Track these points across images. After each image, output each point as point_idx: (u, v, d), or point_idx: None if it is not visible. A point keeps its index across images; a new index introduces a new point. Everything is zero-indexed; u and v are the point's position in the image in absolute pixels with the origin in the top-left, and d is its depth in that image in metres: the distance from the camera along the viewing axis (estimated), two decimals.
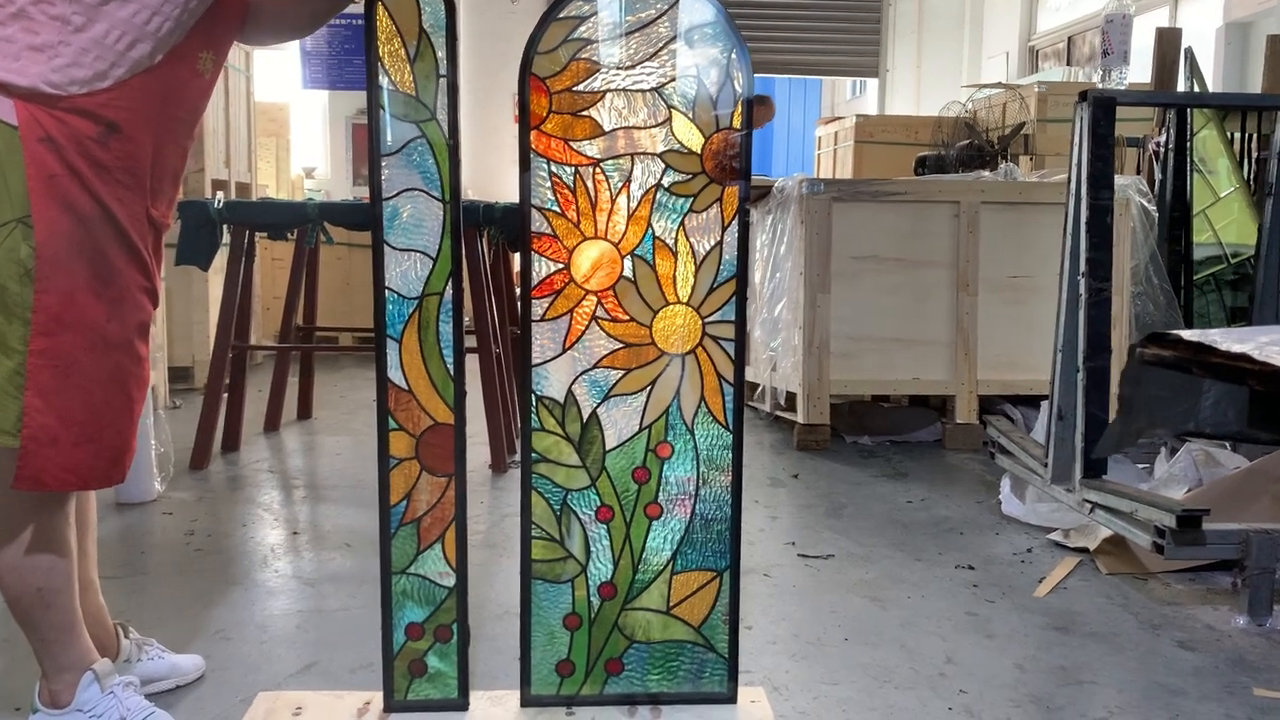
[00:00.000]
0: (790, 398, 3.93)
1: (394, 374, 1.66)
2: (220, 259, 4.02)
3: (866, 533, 2.82)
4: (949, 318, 3.84)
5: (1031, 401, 3.96)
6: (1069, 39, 9.47)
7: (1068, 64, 9.63)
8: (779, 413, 4.01)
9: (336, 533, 2.75)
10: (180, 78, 1.57)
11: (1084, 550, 2.61)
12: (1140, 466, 3.09)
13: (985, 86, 6.69)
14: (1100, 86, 5.29)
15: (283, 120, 7.91)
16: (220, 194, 3.55)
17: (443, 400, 1.67)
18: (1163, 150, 4.29)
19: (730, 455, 1.71)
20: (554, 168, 1.63)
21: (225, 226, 3.46)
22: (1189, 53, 4.29)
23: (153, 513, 2.92)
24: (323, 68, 9.14)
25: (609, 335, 1.67)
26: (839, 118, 8.58)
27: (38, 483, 1.47)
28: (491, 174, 9.37)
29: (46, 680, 1.61)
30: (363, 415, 4.31)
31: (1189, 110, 4.13)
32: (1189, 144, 4.21)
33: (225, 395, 3.65)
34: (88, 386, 1.48)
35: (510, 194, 10.57)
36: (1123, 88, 5.15)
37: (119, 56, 1.48)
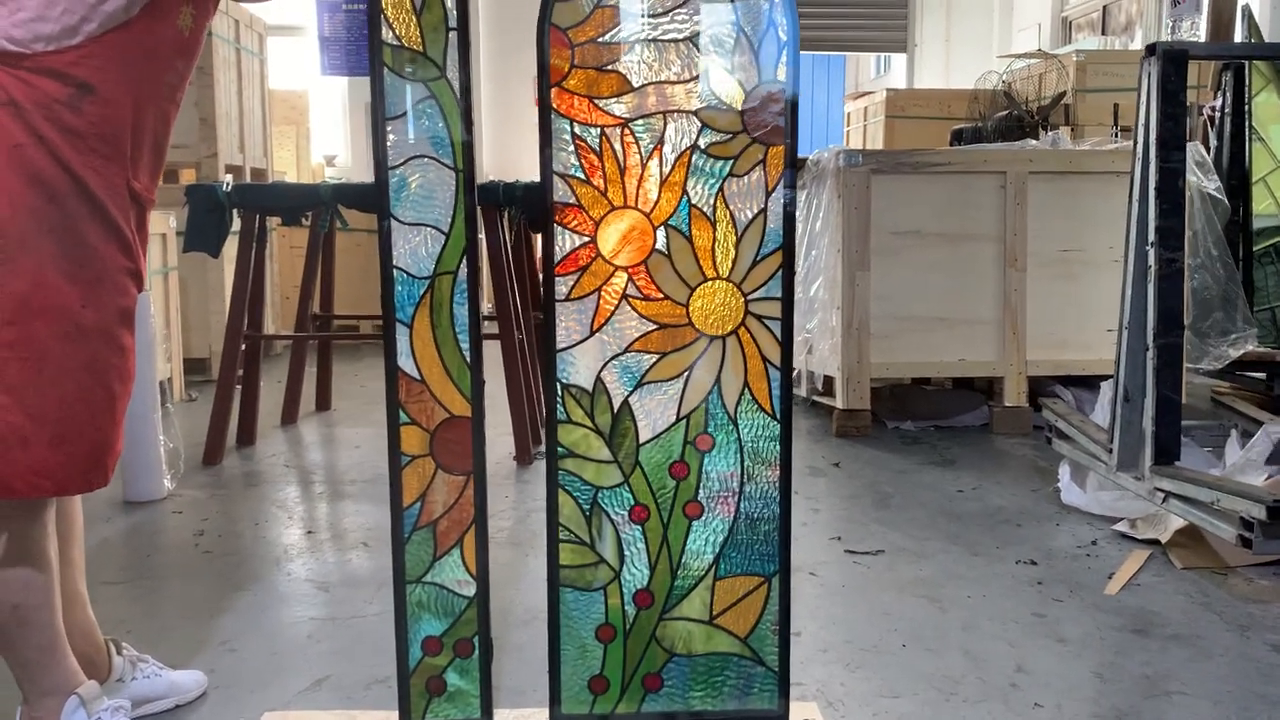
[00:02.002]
0: (828, 382, 3.75)
1: (404, 362, 1.50)
2: (232, 248, 3.88)
3: (917, 525, 2.64)
4: (996, 295, 3.64)
5: (1084, 382, 3.76)
6: (1104, 8, 9.17)
7: (1103, 34, 9.34)
8: (816, 398, 3.83)
9: (354, 531, 2.61)
10: (159, 34, 1.41)
11: (1154, 542, 2.43)
12: (1206, 450, 2.89)
13: (1022, 56, 6.45)
14: (1170, 40, 5.04)
15: (302, 108, 7.78)
16: (229, 177, 3.40)
17: (459, 391, 1.51)
18: (1219, 115, 4.06)
19: (778, 448, 1.53)
20: (578, 129, 1.46)
21: (235, 211, 3.31)
22: (1246, 10, 4.06)
23: (162, 512, 2.79)
24: (341, 54, 9.00)
25: (641, 316, 1.50)
26: (868, 92, 8.35)
27: (7, 489, 1.32)
28: (512, 157, 9.20)
29: (28, 706, 1.46)
30: (384, 406, 4.16)
31: (1248, 71, 3.90)
32: (1247, 108, 3.98)
33: (239, 387, 3.52)
34: (61, 380, 1.33)
35: (532, 176, 10.45)
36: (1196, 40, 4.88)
37: (90, 9, 1.32)
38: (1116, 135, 5.72)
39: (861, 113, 7.74)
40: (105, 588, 2.20)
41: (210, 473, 3.19)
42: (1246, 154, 3.97)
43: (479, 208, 3.42)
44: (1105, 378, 3.77)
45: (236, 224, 3.38)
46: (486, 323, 3.70)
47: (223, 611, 2.09)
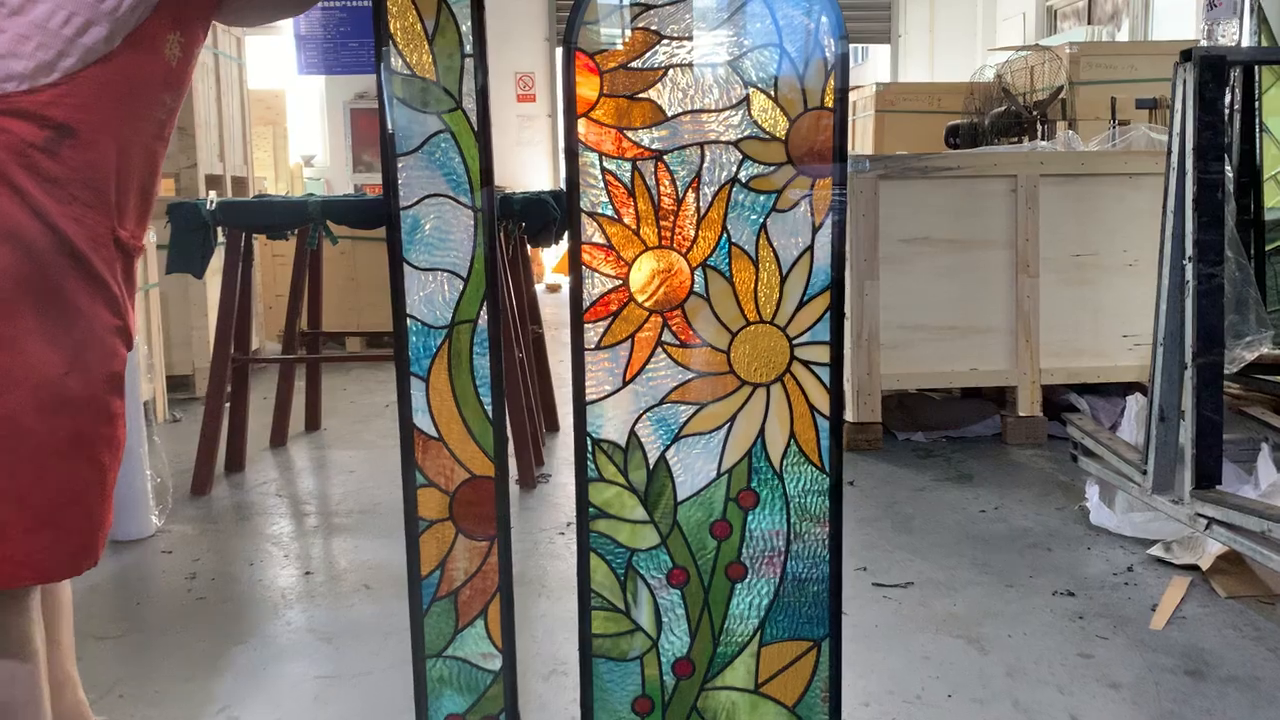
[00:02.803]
0: None
1: (420, 419, 1.37)
2: (217, 261, 3.73)
3: (943, 552, 2.53)
4: (1008, 302, 3.54)
5: (1100, 390, 3.67)
6: None
7: (1089, 23, 9.26)
8: None
9: (354, 571, 2.48)
10: (144, 67, 1.28)
11: (1193, 568, 2.33)
12: (1237, 465, 2.79)
13: (1015, 49, 6.35)
14: (1205, 44, 4.94)
15: (279, 108, 7.61)
16: (213, 194, 3.26)
17: (480, 448, 1.38)
18: (1228, 112, 3.97)
19: (828, 503, 1.42)
20: (607, 163, 1.33)
21: (219, 229, 3.17)
22: (1256, 4, 3.97)
23: (151, 551, 2.65)
24: (318, 52, 8.83)
25: (678, 364, 1.38)
26: (855, 86, 8.25)
27: None
28: (506, 167, 9.06)
29: None
30: (375, 424, 4.03)
31: (1257, 67, 3.80)
32: (1257, 104, 3.89)
33: (227, 407, 3.38)
34: (43, 458, 1.19)
35: (517, 180, 10.25)
36: (1236, 44, 4.77)
37: (67, 43, 1.19)
38: (1115, 130, 5.64)
39: (850, 108, 7.63)
40: (95, 644, 2.06)
41: (199, 505, 3.05)
42: (1257, 150, 3.88)
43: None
44: (1122, 386, 3.69)
45: (221, 239, 3.24)
46: None
47: (221, 670, 1.96)
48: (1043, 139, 5.46)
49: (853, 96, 7.62)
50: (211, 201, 3.10)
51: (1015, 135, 5.42)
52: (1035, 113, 5.39)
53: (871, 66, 13.13)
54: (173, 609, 2.28)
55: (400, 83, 1.31)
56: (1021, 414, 3.55)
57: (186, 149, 4.59)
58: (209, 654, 2.03)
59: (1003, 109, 5.42)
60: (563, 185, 1.39)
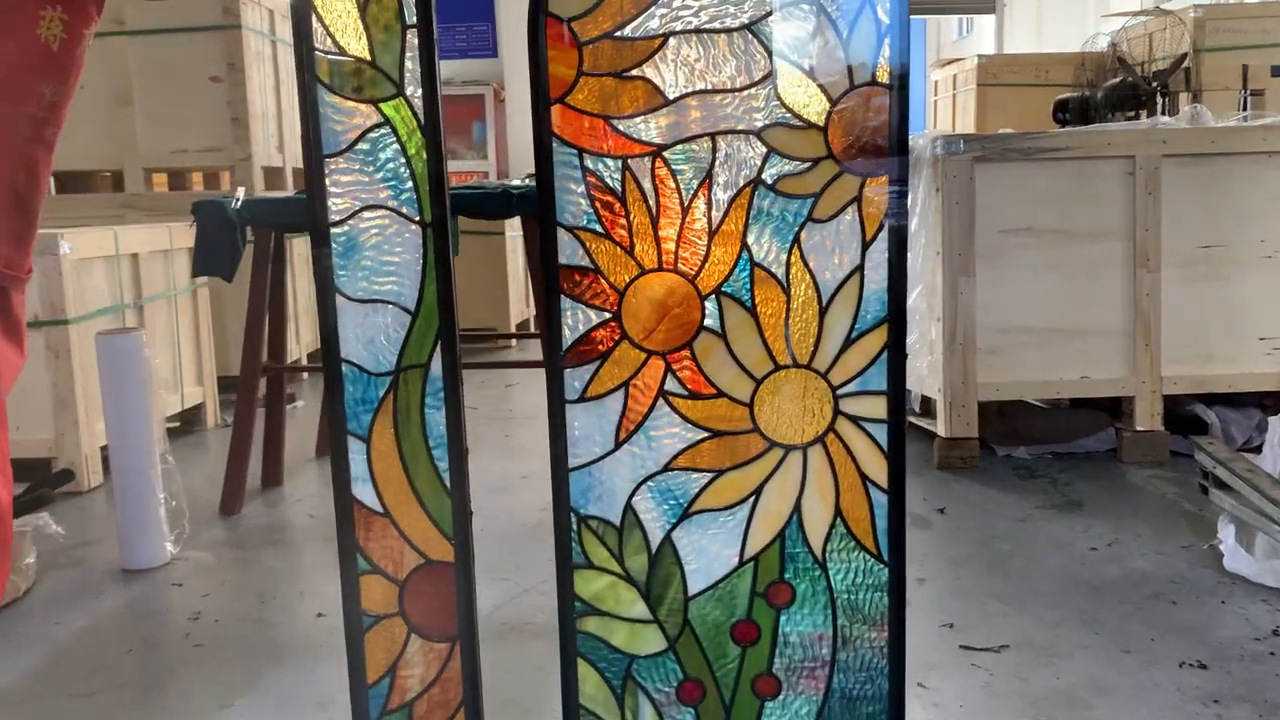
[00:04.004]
0: (926, 402, 3.26)
1: (362, 490, 1.09)
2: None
3: (1045, 603, 2.16)
4: (1124, 301, 3.11)
5: (1231, 401, 3.22)
6: None
7: None
8: (912, 419, 3.34)
9: None
10: (8, 52, 1.02)
11: None
12: None
13: (1133, 14, 5.81)
14: None
15: None
16: (240, 190, 3.04)
17: (436, 526, 1.09)
18: None
19: (886, 600, 1.09)
20: (590, 162, 1.02)
21: (247, 228, 2.95)
22: None
23: (160, 584, 2.44)
24: None
25: (686, 420, 1.06)
26: (956, 59, 7.73)
27: None
28: (521, 153, 8.83)
29: None
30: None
31: None
32: None
33: (264, 413, 3.18)
34: None
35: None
36: None
37: None
38: (1246, 101, 5.09)
39: (950, 81, 7.13)
40: (65, 704, 1.85)
41: (226, 525, 2.85)
42: None
43: (523, 219, 3.01)
44: (1256, 396, 3.24)
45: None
46: (530, 338, 3.24)
47: None
48: (1164, 113, 4.95)
49: (952, 70, 7.13)
50: (238, 199, 2.89)
51: (1132, 109, 4.91)
52: (1155, 84, 4.87)
53: (976, 39, 12.49)
54: (165, 659, 2.06)
55: (325, 64, 1.02)
56: (1140, 428, 3.12)
57: (241, 140, 4.42)
58: None
59: (1118, 80, 4.91)
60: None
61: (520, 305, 6.15)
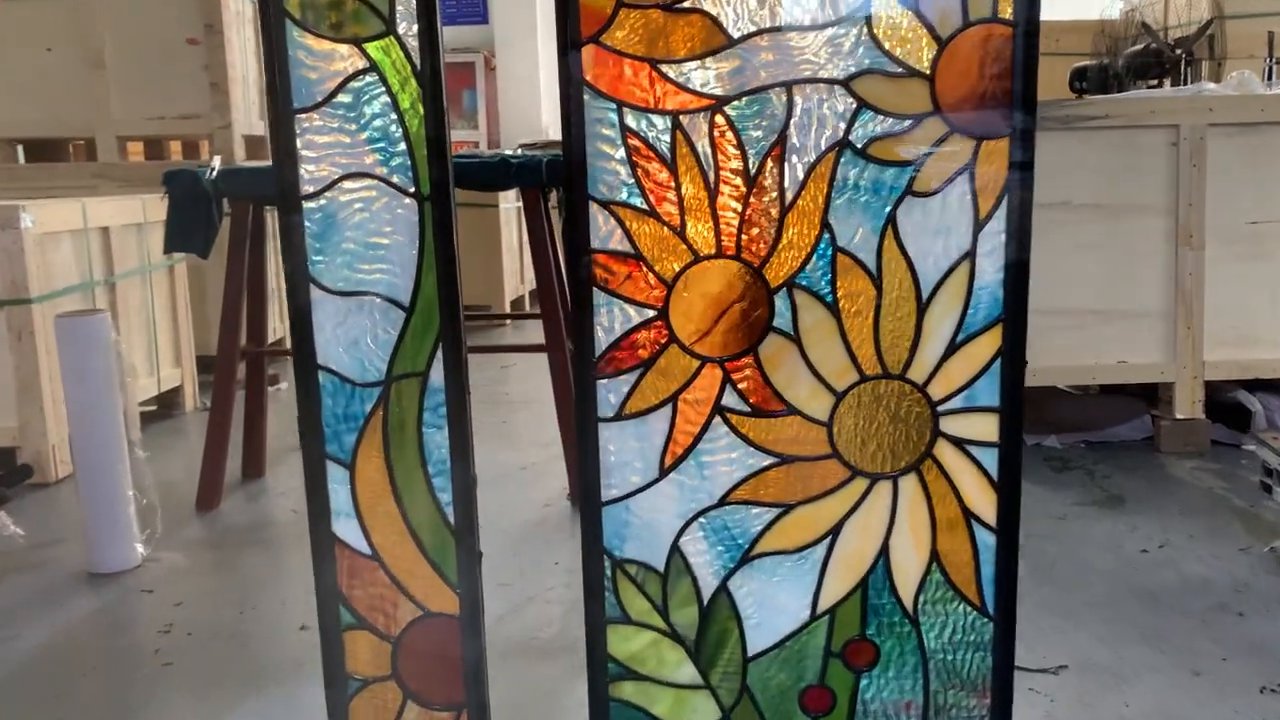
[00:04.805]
0: None
1: (344, 528, 0.88)
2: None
3: (1100, 614, 1.97)
4: (1165, 281, 2.91)
5: (1275, 387, 3.03)
6: None
7: None
8: None
9: None
10: None
11: None
12: None
13: None
14: None
15: None
16: (216, 159, 2.81)
17: (438, 572, 0.89)
18: None
19: (989, 661, 0.89)
20: (632, 119, 0.81)
21: (224, 200, 2.72)
22: None
23: (128, 590, 2.23)
24: None
25: (748, 442, 0.86)
26: None
27: None
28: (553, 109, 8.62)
29: None
30: None
31: None
32: None
33: (244, 398, 2.96)
34: None
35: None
36: None
37: None
38: (1272, 70, 4.88)
39: None
40: None
41: (203, 522, 2.64)
42: None
43: (521, 191, 2.79)
44: None
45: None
46: (530, 319, 3.04)
47: None
48: (1186, 81, 4.74)
49: None
50: (213, 169, 2.66)
51: (1155, 77, 4.70)
52: (1179, 51, 4.66)
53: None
54: (131, 682, 1.85)
55: None
56: (1179, 416, 2.93)
57: (220, 106, 4.18)
58: None
59: (1140, 47, 4.69)
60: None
61: (515, 281, 5.93)
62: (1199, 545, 2.29)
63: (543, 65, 9.18)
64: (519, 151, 7.68)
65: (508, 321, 5.61)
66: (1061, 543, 2.35)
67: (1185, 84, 4.77)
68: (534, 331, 2.79)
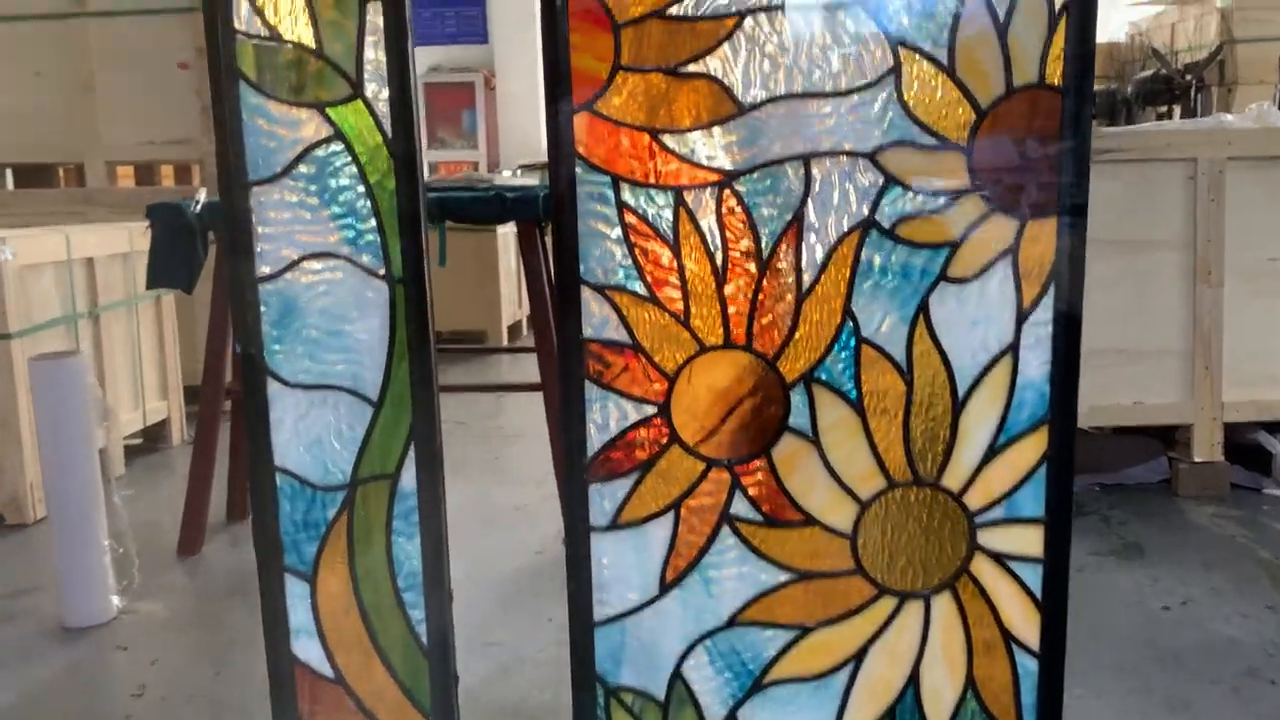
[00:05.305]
0: None
1: (304, 647, 0.78)
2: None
3: (1121, 680, 1.86)
4: (1183, 319, 2.81)
5: None
6: None
7: None
8: None
9: None
10: None
11: None
12: None
13: (1162, 2, 5.52)
14: None
15: None
16: (201, 191, 2.72)
17: (409, 698, 0.79)
18: None
19: None
20: (630, 194, 0.72)
21: (209, 233, 2.63)
22: None
23: (101, 647, 2.13)
24: None
25: (761, 555, 0.76)
26: None
27: None
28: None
29: None
30: None
31: None
32: None
33: (230, 434, 2.86)
34: None
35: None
36: None
37: None
38: None
39: None
40: None
41: (184, 569, 2.53)
42: None
43: (516, 224, 2.70)
44: None
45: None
46: (525, 352, 2.91)
47: None
48: (1197, 107, 4.67)
49: None
50: (197, 201, 2.56)
51: (1165, 104, 4.63)
52: (1189, 77, 4.59)
53: None
54: None
55: (250, 52, 0.71)
56: (1198, 459, 2.83)
57: (211, 132, 4.08)
58: None
59: (1149, 73, 4.62)
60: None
61: (513, 307, 5.84)
62: (1224, 601, 2.19)
63: (542, 84, 9.12)
64: (518, 173, 7.59)
65: (503, 341, 5.51)
66: (1080, 597, 2.24)
67: (1196, 110, 4.70)
68: (532, 360, 2.68)
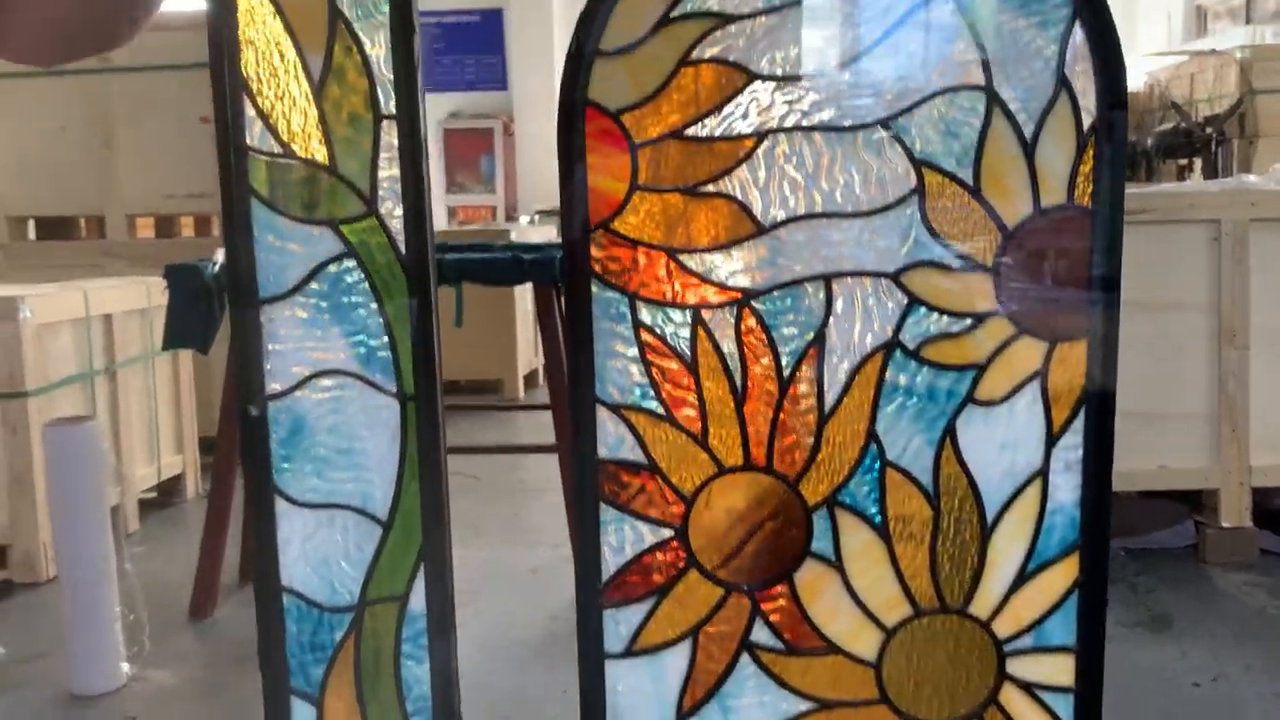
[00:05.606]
0: None
1: None
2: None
3: None
4: (1207, 381, 2.77)
5: None
6: None
7: (1247, 23, 8.28)
8: None
9: None
10: None
11: None
12: None
13: (1184, 53, 5.52)
14: None
15: None
16: (219, 252, 2.72)
17: None
18: None
19: None
20: (647, 313, 0.70)
21: (225, 295, 2.63)
22: None
23: (111, 715, 2.10)
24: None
25: (782, 685, 0.73)
26: None
27: None
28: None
29: None
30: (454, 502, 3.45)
31: None
32: None
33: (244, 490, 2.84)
34: None
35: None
36: None
37: None
38: None
39: None
40: None
41: (196, 633, 2.51)
42: None
43: (534, 288, 2.69)
44: None
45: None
46: (541, 409, 2.88)
47: None
48: (1218, 161, 4.65)
49: None
50: (215, 263, 2.57)
51: (1185, 157, 4.61)
52: (1210, 130, 4.57)
53: None
54: None
55: (263, 169, 0.70)
56: (1225, 524, 2.77)
57: None
58: None
59: (1170, 126, 4.61)
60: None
61: (530, 354, 5.83)
62: (1257, 679, 2.13)
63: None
64: (535, 219, 7.61)
65: (520, 395, 5.49)
66: (1108, 674, 2.18)
67: (1217, 162, 4.67)
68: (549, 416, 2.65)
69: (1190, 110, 5.16)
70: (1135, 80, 5.80)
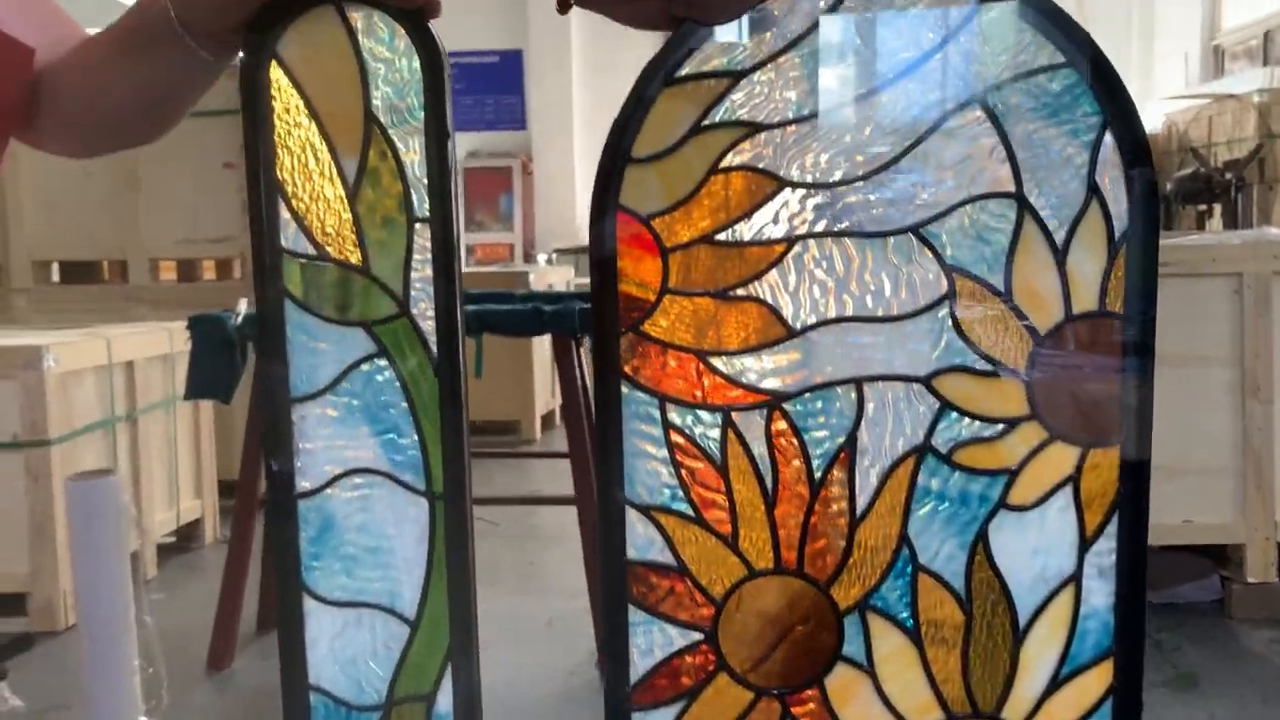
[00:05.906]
0: None
1: None
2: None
3: None
4: (1232, 435, 2.75)
5: None
6: (1265, 34, 8.13)
7: (1265, 64, 8.28)
8: None
9: None
10: None
11: None
12: None
13: (1204, 97, 5.52)
14: None
15: None
16: (243, 302, 2.75)
17: None
18: None
19: None
20: (676, 415, 0.70)
21: (248, 345, 2.65)
22: None
23: None
24: None
25: None
26: None
27: None
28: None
29: None
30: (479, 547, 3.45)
31: None
32: None
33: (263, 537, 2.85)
34: None
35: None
36: None
37: None
38: None
39: None
40: None
41: (214, 685, 2.51)
42: None
43: (553, 338, 2.70)
44: None
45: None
46: (559, 457, 2.87)
47: None
48: (1238, 207, 4.63)
49: None
50: (239, 314, 2.59)
51: (1205, 203, 4.60)
52: (1229, 175, 4.56)
53: None
54: None
55: (297, 270, 0.71)
56: (1251, 579, 2.74)
57: (245, 227, 4.16)
58: None
59: (1189, 172, 4.60)
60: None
61: (547, 395, 5.84)
62: None
63: (579, 163, 9.24)
64: (553, 258, 7.65)
65: (537, 436, 5.49)
66: None
67: (1237, 208, 4.65)
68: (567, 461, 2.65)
69: (1209, 154, 5.15)
70: (1153, 123, 5.80)
